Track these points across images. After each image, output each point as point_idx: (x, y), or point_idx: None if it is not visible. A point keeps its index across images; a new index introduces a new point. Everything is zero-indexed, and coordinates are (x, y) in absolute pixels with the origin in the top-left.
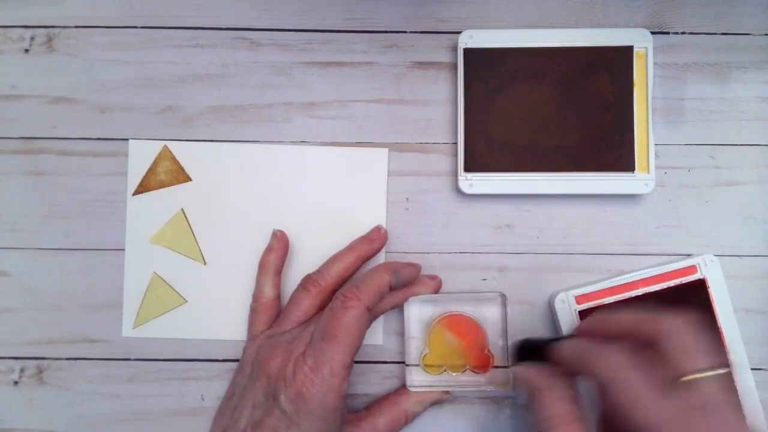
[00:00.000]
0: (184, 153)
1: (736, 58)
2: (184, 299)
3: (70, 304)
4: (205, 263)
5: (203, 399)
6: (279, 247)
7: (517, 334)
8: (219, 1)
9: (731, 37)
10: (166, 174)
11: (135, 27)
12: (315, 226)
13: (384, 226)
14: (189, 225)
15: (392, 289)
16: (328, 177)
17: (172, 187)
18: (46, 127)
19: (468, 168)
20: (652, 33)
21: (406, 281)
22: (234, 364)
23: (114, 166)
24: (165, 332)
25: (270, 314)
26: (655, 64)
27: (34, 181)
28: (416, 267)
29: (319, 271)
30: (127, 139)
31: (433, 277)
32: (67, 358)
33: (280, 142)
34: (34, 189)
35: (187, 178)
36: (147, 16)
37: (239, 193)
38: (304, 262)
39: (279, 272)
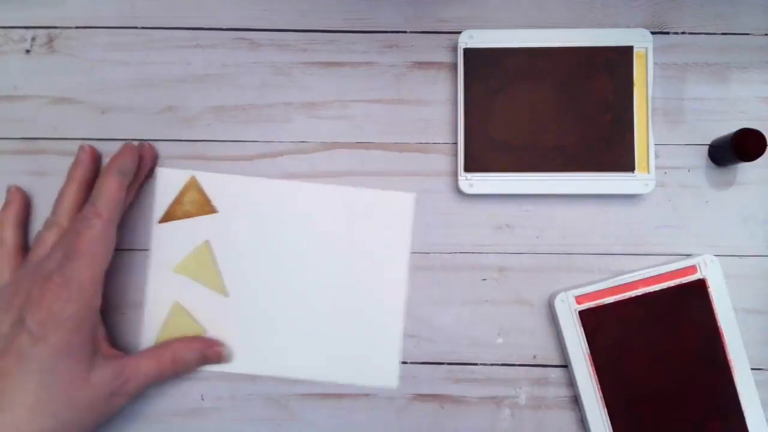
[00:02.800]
0: (212, 184)
1: (736, 58)
2: (204, 329)
3: None
4: (227, 295)
5: (203, 399)
6: (15, 201)
7: (516, 335)
8: (219, 1)
9: (731, 37)
10: (192, 204)
11: (135, 27)
12: (334, 267)
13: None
14: (212, 256)
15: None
16: (352, 217)
17: (198, 217)
18: (47, 128)
19: (468, 168)
20: (652, 33)
21: (133, 171)
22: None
23: None
24: None
25: (15, 261)
26: (655, 64)
27: (35, 181)
28: (130, 150)
29: (52, 213)
30: (127, 140)
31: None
32: None
33: (280, 141)
34: (34, 189)
35: (213, 210)
36: (147, 17)
37: (264, 227)
38: (322, 295)
39: (21, 224)
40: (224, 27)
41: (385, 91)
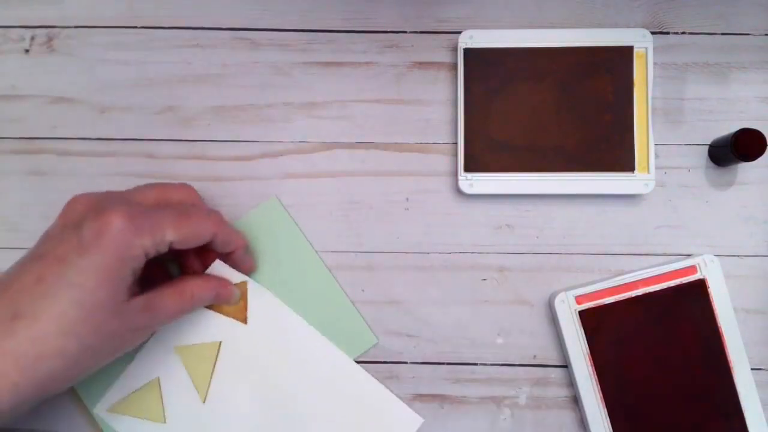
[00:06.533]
0: (256, 295)
1: (736, 58)
2: (164, 419)
3: None
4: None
5: None
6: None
7: (516, 335)
8: (219, 1)
9: (731, 37)
10: (231, 306)
11: (135, 27)
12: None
13: None
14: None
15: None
16: (356, 412)
17: (225, 317)
18: (46, 127)
19: (468, 168)
20: (652, 33)
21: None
22: None
23: (114, 166)
24: None
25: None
26: (655, 64)
27: (34, 181)
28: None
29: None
30: (127, 140)
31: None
32: None
33: (280, 141)
34: (34, 189)
35: (245, 320)
36: (147, 17)
37: (276, 359)
38: None
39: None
40: (224, 27)
41: (385, 91)
